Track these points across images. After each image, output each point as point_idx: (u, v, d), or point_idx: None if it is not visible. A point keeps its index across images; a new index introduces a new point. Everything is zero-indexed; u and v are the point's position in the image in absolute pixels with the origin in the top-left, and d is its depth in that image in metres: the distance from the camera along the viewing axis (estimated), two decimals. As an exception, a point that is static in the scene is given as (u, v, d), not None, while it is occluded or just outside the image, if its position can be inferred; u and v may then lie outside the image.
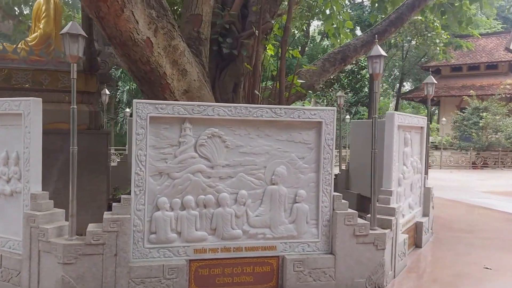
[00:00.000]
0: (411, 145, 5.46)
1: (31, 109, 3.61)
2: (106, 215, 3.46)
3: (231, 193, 3.78)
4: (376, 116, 4.15)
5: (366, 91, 31.75)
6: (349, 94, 30.35)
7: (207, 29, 5.89)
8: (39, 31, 6.00)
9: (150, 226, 3.59)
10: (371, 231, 4.01)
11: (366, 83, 31.78)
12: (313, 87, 8.02)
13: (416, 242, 5.69)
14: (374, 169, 4.11)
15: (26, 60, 5.67)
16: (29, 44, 5.80)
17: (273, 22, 6.57)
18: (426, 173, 6.53)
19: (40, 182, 3.66)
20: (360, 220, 4.03)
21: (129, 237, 3.46)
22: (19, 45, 5.82)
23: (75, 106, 3.50)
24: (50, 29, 5.95)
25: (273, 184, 3.87)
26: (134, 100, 3.55)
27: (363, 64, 30.85)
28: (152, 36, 4.47)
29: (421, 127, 5.93)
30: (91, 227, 3.45)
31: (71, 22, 3.52)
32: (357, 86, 31.94)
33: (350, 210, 3.99)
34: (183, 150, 3.66)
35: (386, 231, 4.08)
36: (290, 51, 7.37)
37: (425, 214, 6.07)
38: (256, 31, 5.87)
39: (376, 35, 8.10)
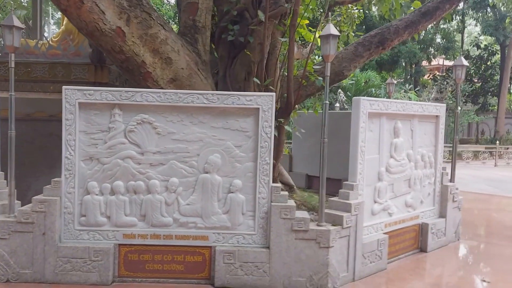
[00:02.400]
0: (410, 135, 5.72)
1: None
2: (36, 196, 4.42)
3: (162, 180, 4.59)
4: (327, 102, 4.58)
5: (497, 80, 30.97)
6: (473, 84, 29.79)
7: (204, 17, 6.70)
8: (62, 27, 7.42)
9: (81, 209, 4.55)
10: (312, 227, 4.50)
11: (497, 70, 30.88)
12: (342, 74, 8.37)
13: (420, 246, 6.02)
14: (322, 160, 4.57)
15: (45, 54, 7.04)
16: (54, 40, 7.22)
17: (286, 6, 7.04)
18: (454, 168, 6.64)
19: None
20: (299, 214, 4.53)
21: (56, 218, 4.46)
22: (40, 41, 7.25)
23: (13, 93, 4.49)
24: (71, 25, 7.27)
25: (206, 172, 4.56)
26: (63, 86, 4.45)
27: (494, 49, 29.64)
28: (123, 25, 5.36)
29: (436, 116, 6.08)
30: (24, 206, 4.45)
31: (12, 15, 4.48)
32: (486, 74, 31.29)
33: (288, 203, 4.54)
34: (113, 135, 4.54)
35: (332, 228, 4.53)
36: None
37: (442, 215, 6.24)
38: (262, 17, 6.44)
39: (425, 14, 8.23)
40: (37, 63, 7.03)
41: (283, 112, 7.07)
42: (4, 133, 4.89)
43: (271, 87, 6.83)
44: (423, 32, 32.40)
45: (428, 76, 37.36)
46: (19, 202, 4.77)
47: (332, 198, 5.05)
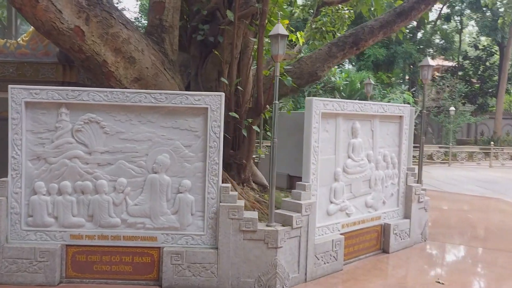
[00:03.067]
0: (371, 136, 5.77)
1: None
2: (-17, 196, 4.46)
3: (110, 180, 4.62)
4: (276, 102, 4.63)
5: (496, 80, 31.35)
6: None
7: (172, 16, 6.70)
8: (32, 27, 7.50)
9: (28, 209, 4.57)
10: (261, 228, 4.54)
11: (496, 71, 31.35)
12: (316, 74, 8.42)
13: (383, 247, 6.05)
14: (272, 160, 4.60)
15: (14, 54, 7.07)
16: (24, 39, 7.25)
17: (257, 5, 7.08)
18: (421, 169, 6.69)
19: None
20: (248, 214, 4.58)
21: (2, 218, 4.47)
22: (9, 40, 7.28)
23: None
24: None
25: (155, 172, 4.59)
26: (9, 85, 4.48)
27: (493, 50, 29.86)
28: (82, 24, 5.36)
29: (400, 116, 6.13)
30: (-30, 207, 4.48)
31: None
32: (485, 74, 31.77)
33: (237, 203, 4.57)
34: (60, 135, 4.57)
35: (280, 228, 4.56)
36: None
37: (406, 216, 6.28)
38: (232, 17, 6.48)
39: (400, 14, 8.28)
40: (5, 63, 7.04)
41: (253, 112, 7.11)
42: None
43: (239, 87, 6.88)
44: (421, 32, 32.69)
45: (428, 77, 37.32)
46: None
47: (284, 198, 5.10)
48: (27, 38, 7.49)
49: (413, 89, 29.38)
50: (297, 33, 10.72)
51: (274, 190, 4.68)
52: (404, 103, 24.35)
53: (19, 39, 7.50)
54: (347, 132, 5.54)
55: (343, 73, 22.92)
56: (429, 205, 6.73)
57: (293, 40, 10.76)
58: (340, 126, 5.42)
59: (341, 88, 22.90)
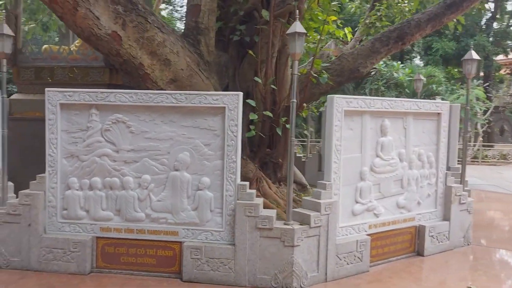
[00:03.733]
0: (403, 134, 5.63)
1: None
2: (23, 190, 4.89)
3: (135, 177, 4.89)
4: (294, 100, 4.66)
5: None
6: None
7: (207, 18, 6.95)
8: None
9: (63, 203, 4.94)
10: (277, 226, 4.59)
11: None
12: (357, 71, 8.29)
13: (417, 249, 5.86)
14: (290, 157, 4.65)
15: (66, 59, 7.70)
16: (76, 45, 7.89)
17: (293, 4, 7.13)
18: (464, 169, 6.40)
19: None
20: (265, 212, 4.64)
21: (40, 210, 4.89)
22: (62, 46, 7.93)
23: (5, 96, 5.01)
24: None
25: (176, 170, 4.80)
26: (46, 89, 4.88)
27: None
28: (119, 30, 5.72)
29: (438, 114, 5.91)
30: (13, 199, 4.94)
31: (2, 23, 5.00)
32: None
33: (254, 201, 4.65)
34: (90, 134, 4.91)
35: (297, 227, 4.59)
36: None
37: (445, 218, 6.03)
38: (267, 16, 6.62)
39: (451, 6, 7.97)
40: (59, 67, 7.63)
41: (288, 111, 7.14)
42: (24, 133, 5.47)
43: (272, 86, 6.94)
44: (497, 23, 30.66)
45: (505, 71, 35.10)
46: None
47: (305, 197, 5.10)
48: (78, 44, 8.06)
49: (486, 84, 27.64)
50: (345, 29, 10.56)
51: (291, 188, 4.71)
52: (476, 99, 23.18)
53: (72, 46, 8.09)
54: (375, 130, 5.42)
55: (406, 69, 22.07)
56: (473, 207, 6.38)
57: (341, 36, 10.63)
58: (366, 124, 5.31)
59: (405, 84, 22.14)
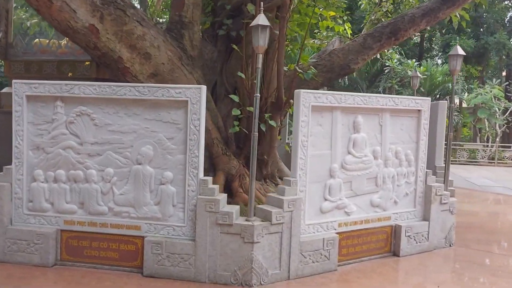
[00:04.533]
0: (379, 131, 5.50)
1: None
2: (-11, 182, 4.93)
3: (98, 170, 4.87)
4: (258, 95, 4.58)
5: None
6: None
7: (191, 12, 6.90)
8: None
9: (29, 195, 4.94)
10: (237, 222, 4.51)
11: None
12: (348, 67, 8.14)
13: (393, 249, 5.73)
14: (252, 152, 4.56)
15: (55, 53, 7.75)
16: (65, 39, 7.95)
17: None
18: (448, 168, 6.22)
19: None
20: (227, 208, 4.56)
21: (6, 202, 4.89)
22: (52, 41, 7.98)
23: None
24: None
25: (139, 163, 4.76)
26: (13, 80, 4.89)
27: None
28: (97, 23, 5.69)
29: (418, 110, 5.75)
30: (-21, 191, 4.98)
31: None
32: None
33: (214, 196, 4.57)
34: (55, 126, 4.91)
35: (257, 223, 4.51)
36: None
37: (425, 218, 5.86)
38: (253, 10, 6.54)
39: (447, 1, 7.76)
40: (48, 61, 7.71)
41: (274, 107, 7.04)
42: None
43: (255, 81, 6.84)
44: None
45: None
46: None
47: (269, 194, 5.01)
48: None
49: (506, 83, 27.00)
50: (345, 24, 10.40)
51: (253, 183, 4.61)
52: (495, 99, 22.67)
53: (62, 40, 8.13)
54: (347, 127, 5.27)
55: (421, 67, 21.75)
56: (456, 207, 6.19)
57: (340, 31, 10.46)
58: (337, 120, 5.17)
59: (421, 82, 21.79)
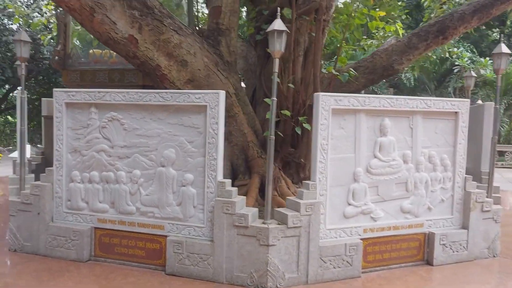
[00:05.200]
0: (409, 134, 5.29)
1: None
2: (34, 182, 5.36)
3: (127, 172, 5.13)
4: (275, 99, 4.60)
5: None
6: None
7: (228, 19, 7.10)
8: None
9: (67, 195, 5.31)
10: (253, 224, 4.55)
11: None
12: (392, 68, 7.91)
13: (427, 258, 5.47)
14: (269, 156, 4.58)
15: (107, 62, 8.31)
16: None
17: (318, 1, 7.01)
18: (492, 173, 5.84)
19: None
20: (245, 210, 4.63)
21: (48, 200, 5.31)
22: (104, 51, 8.57)
23: (24, 96, 5.52)
24: None
25: (162, 166, 4.95)
26: (53, 89, 5.29)
27: None
28: (136, 33, 6.05)
29: (455, 113, 5.47)
30: (26, 190, 5.43)
31: (21, 31, 5.52)
32: None
33: (231, 199, 4.64)
34: (90, 131, 5.25)
35: (273, 226, 4.51)
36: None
37: (464, 226, 5.53)
38: (288, 15, 6.63)
39: None
40: (100, 70, 8.22)
41: (311, 110, 6.99)
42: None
43: (289, 85, 6.84)
44: None
45: None
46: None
47: (289, 197, 4.98)
48: None
49: None
50: (396, 24, 10.05)
51: (270, 186, 4.63)
52: None
53: None
54: (373, 130, 5.11)
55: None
56: (501, 215, 5.74)
57: (392, 32, 10.14)
58: (361, 122, 5.03)
59: (495, 82, 20.38)
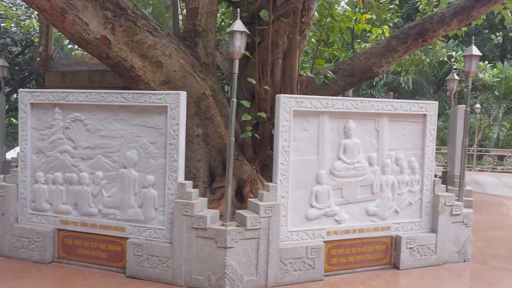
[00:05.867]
0: (375, 136, 5.23)
1: None
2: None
3: (90, 173, 5.08)
4: (234, 100, 4.56)
5: None
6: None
7: (205, 21, 7.06)
8: None
9: (32, 196, 5.27)
10: (212, 226, 4.50)
11: None
12: (371, 71, 7.85)
13: (394, 262, 5.40)
14: (229, 159, 4.54)
15: (88, 64, 8.29)
16: None
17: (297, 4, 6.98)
18: (463, 176, 5.77)
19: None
20: (204, 212, 4.60)
21: (12, 201, 5.28)
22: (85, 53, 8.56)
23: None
24: None
25: (125, 167, 4.91)
26: (19, 89, 5.26)
27: None
28: (109, 34, 6.00)
29: (423, 115, 5.41)
30: (-9, 191, 5.40)
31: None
32: None
33: (191, 200, 4.60)
34: (54, 132, 5.22)
35: (230, 228, 4.46)
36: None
37: (433, 229, 5.46)
38: (266, 17, 6.59)
39: None
40: (80, 71, 8.18)
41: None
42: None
43: (265, 87, 6.79)
44: None
45: None
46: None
47: (250, 199, 4.93)
48: None
49: None
50: (382, 27, 10.01)
51: (230, 188, 4.58)
52: None
53: None
54: (337, 132, 5.06)
55: (494, 69, 20.18)
56: (471, 219, 5.66)
57: (379, 35, 10.10)
58: (325, 124, 4.98)
59: (494, 86, 20.31)
